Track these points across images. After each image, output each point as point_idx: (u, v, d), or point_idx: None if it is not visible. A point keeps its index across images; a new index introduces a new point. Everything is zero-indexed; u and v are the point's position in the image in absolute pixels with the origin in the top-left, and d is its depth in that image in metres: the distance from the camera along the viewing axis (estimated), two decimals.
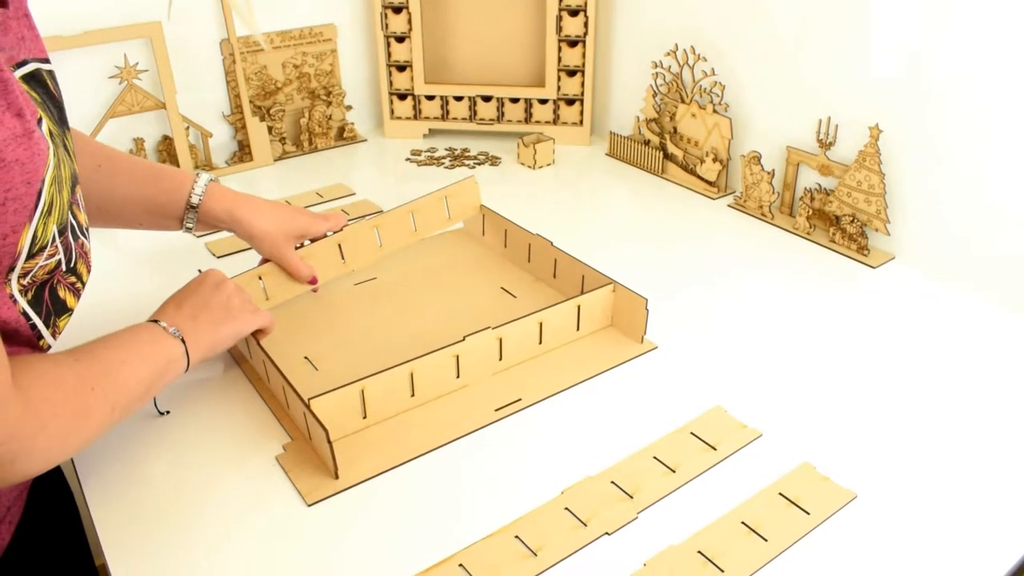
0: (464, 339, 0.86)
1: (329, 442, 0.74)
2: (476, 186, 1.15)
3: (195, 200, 0.93)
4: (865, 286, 1.10)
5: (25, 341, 0.68)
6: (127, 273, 1.16)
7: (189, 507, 0.75)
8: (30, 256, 0.63)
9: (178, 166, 1.38)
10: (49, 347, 0.72)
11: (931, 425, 0.84)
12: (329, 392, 0.79)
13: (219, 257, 1.17)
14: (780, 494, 0.76)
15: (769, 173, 1.25)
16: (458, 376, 0.88)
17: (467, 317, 1.00)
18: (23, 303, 0.66)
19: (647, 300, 0.94)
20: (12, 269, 0.63)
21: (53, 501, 0.82)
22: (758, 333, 0.99)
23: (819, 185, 1.23)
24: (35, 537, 0.77)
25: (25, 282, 0.65)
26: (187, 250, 1.20)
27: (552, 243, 1.05)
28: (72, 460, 0.81)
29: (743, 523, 0.73)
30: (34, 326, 0.68)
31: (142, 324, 0.79)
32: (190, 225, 0.96)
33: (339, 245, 1.04)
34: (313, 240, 1.01)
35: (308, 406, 0.77)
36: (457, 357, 0.87)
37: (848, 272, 1.13)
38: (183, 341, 0.79)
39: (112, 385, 0.70)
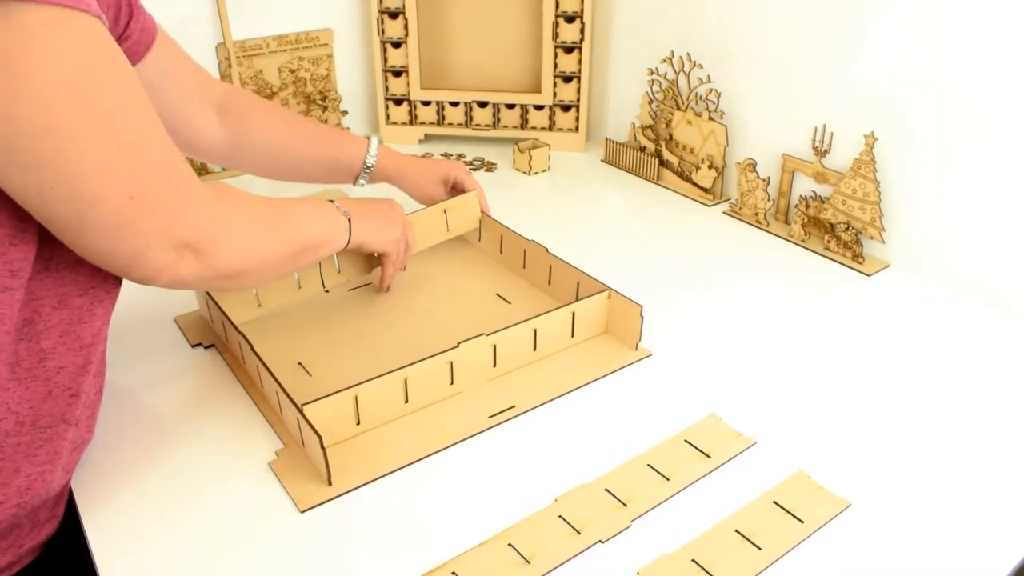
0: (458, 345, 0.86)
1: (322, 448, 0.74)
2: (476, 201, 1.16)
3: (371, 161, 1.13)
4: (860, 294, 1.10)
5: None
6: None
7: (181, 513, 0.75)
8: None
9: None
10: None
11: (926, 433, 0.84)
12: (323, 398, 0.78)
13: None
14: (774, 503, 0.76)
15: (764, 180, 1.25)
16: (452, 383, 0.88)
17: (461, 323, 1.00)
18: None
19: (642, 307, 0.94)
20: None
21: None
22: (753, 341, 0.99)
23: (814, 193, 1.23)
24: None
25: None
26: None
27: (547, 249, 1.05)
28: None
29: (737, 531, 0.73)
30: None
31: (319, 198, 0.92)
32: (363, 182, 1.15)
33: (335, 254, 1.04)
34: (461, 190, 1.16)
35: (301, 412, 0.76)
36: (451, 364, 0.87)
37: (843, 280, 1.13)
38: (349, 221, 0.92)
39: (290, 217, 0.83)
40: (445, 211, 1.13)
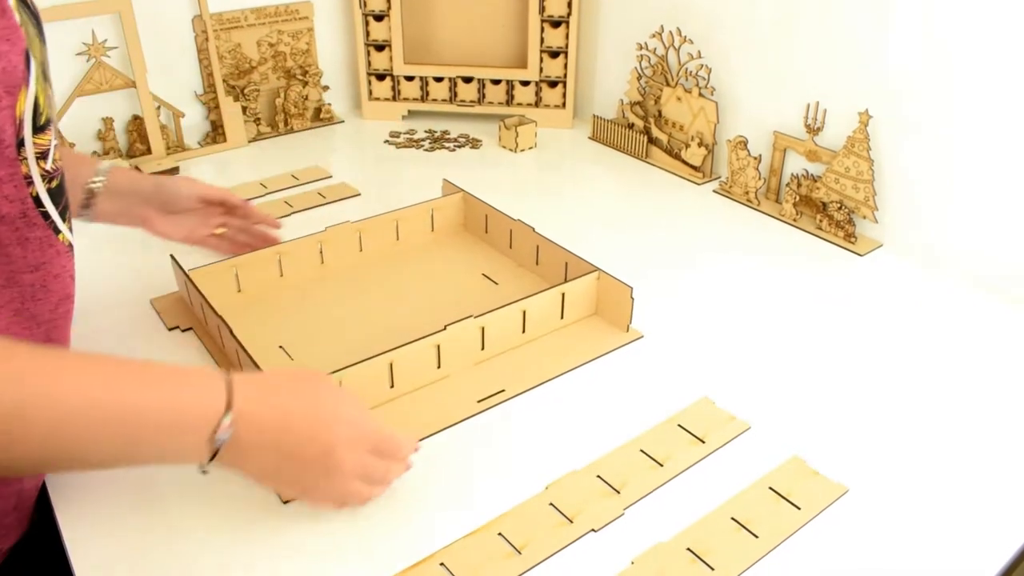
0: (445, 328, 0.84)
1: None
2: (463, 202, 1.13)
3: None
4: (852, 274, 1.08)
5: (38, 233, 0.65)
6: (91, 253, 1.11)
7: (157, 504, 0.72)
8: (37, 129, 0.60)
9: (149, 147, 1.33)
10: (70, 244, 0.71)
11: (922, 416, 0.83)
12: None
13: None
14: (770, 488, 0.74)
15: (755, 158, 1.23)
16: (439, 366, 0.85)
17: (448, 305, 0.97)
18: (41, 189, 0.62)
19: (632, 288, 0.91)
20: (22, 144, 0.59)
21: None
22: (745, 322, 0.97)
23: (806, 171, 1.20)
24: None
25: (48, 167, 0.62)
26: None
27: (534, 229, 1.03)
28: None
29: (733, 519, 0.71)
30: (47, 216, 0.65)
31: (208, 386, 0.60)
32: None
33: (320, 247, 1.01)
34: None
35: None
36: (438, 347, 0.84)
37: (835, 260, 1.12)
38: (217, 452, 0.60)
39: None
40: (432, 210, 1.10)
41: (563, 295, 0.92)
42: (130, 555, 0.67)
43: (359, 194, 1.27)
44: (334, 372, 0.77)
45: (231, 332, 0.82)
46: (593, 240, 1.10)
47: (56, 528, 0.70)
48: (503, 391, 0.85)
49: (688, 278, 1.06)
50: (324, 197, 1.25)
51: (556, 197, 1.30)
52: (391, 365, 0.81)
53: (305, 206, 1.22)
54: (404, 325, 0.91)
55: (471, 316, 0.85)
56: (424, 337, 0.83)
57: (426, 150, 1.44)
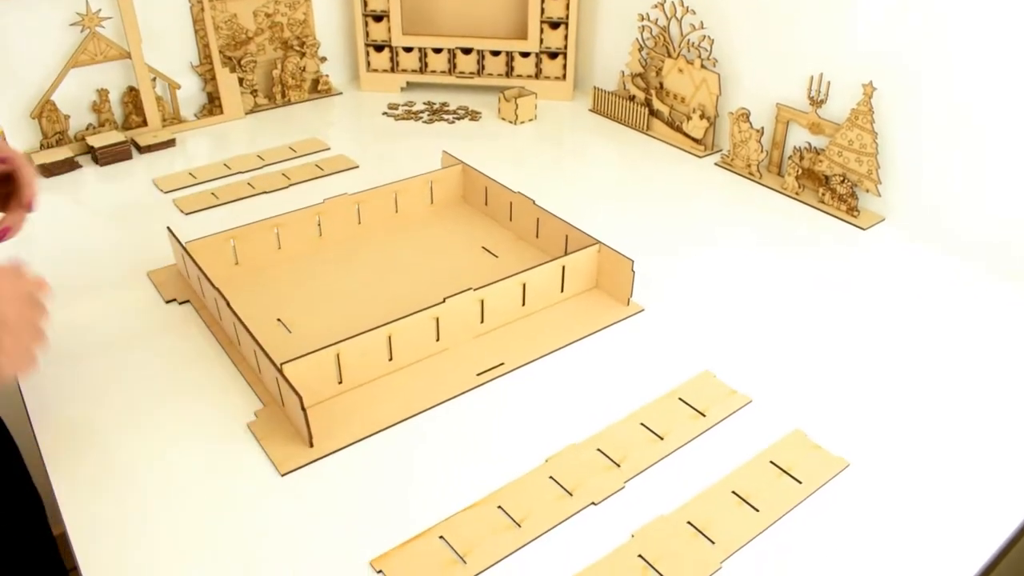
0: (444, 301, 0.83)
1: (303, 409, 0.71)
2: (462, 174, 1.11)
3: None
4: (855, 248, 1.07)
5: None
6: (86, 226, 1.10)
7: (155, 476, 0.71)
8: None
9: (144, 119, 1.32)
10: None
11: (923, 391, 0.82)
12: (303, 356, 0.75)
13: (187, 214, 1.12)
14: (771, 462, 0.74)
15: (758, 131, 1.22)
16: (438, 339, 0.85)
17: (447, 278, 0.97)
18: None
19: (633, 262, 0.90)
20: None
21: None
22: (746, 296, 0.97)
23: (809, 144, 1.19)
24: None
25: None
26: (152, 205, 1.14)
27: (534, 202, 1.02)
28: (32, 427, 0.77)
29: (734, 492, 0.71)
30: None
31: None
32: None
33: (318, 219, 1.00)
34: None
35: (281, 371, 0.73)
36: (437, 320, 0.83)
37: (838, 234, 1.11)
38: None
39: None
40: (431, 182, 1.09)
41: (563, 268, 0.91)
42: (128, 521, 0.67)
43: (357, 166, 1.26)
44: (332, 344, 0.77)
45: (228, 305, 0.81)
46: (593, 213, 1.09)
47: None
48: (502, 364, 0.84)
49: (689, 252, 1.05)
50: (322, 169, 1.23)
51: (556, 170, 1.29)
52: (390, 338, 0.80)
53: (303, 178, 1.21)
54: (403, 297, 0.90)
55: (470, 289, 0.84)
56: (423, 310, 0.82)
57: (425, 122, 1.42)
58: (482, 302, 0.86)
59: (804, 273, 1.01)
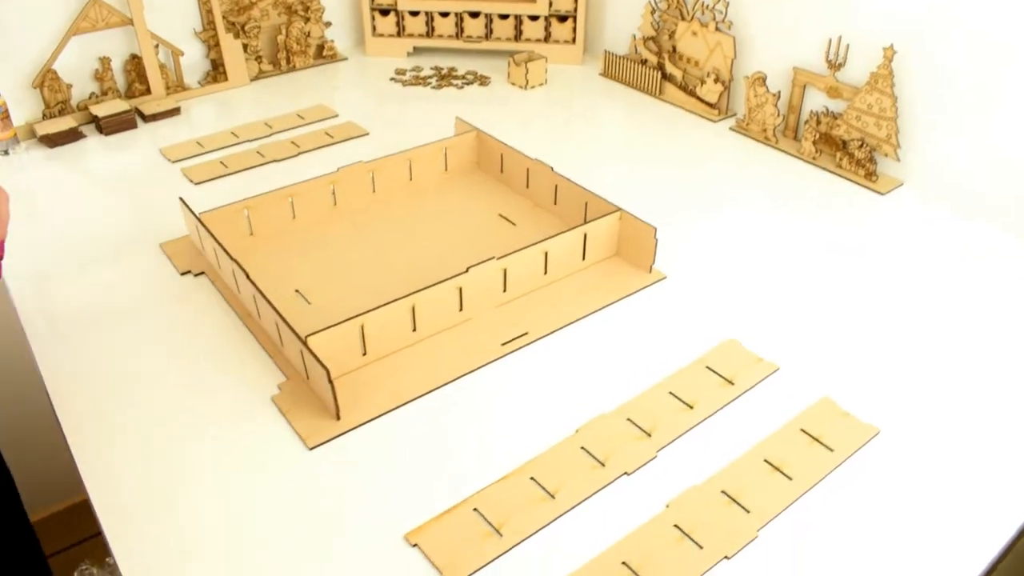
0: (467, 270, 0.82)
1: (330, 382, 0.70)
2: (476, 140, 1.09)
3: None
4: (874, 213, 1.06)
5: None
6: (94, 197, 1.08)
7: (179, 451, 0.70)
8: None
9: (148, 87, 1.29)
10: None
11: (949, 355, 0.81)
12: (327, 329, 0.74)
13: (197, 183, 1.10)
14: (802, 430, 0.73)
15: (774, 95, 1.20)
16: (461, 309, 0.83)
17: (466, 246, 0.95)
18: None
19: (656, 229, 0.89)
20: None
21: None
22: (766, 262, 0.96)
23: (826, 108, 1.17)
24: None
25: None
26: (160, 175, 1.12)
27: (552, 168, 1.00)
28: (50, 399, 0.76)
29: (766, 461, 0.70)
30: None
31: None
32: None
33: (332, 188, 0.98)
34: None
35: (306, 344, 0.72)
36: (460, 289, 0.82)
37: (856, 199, 1.09)
38: None
39: None
40: (445, 149, 1.07)
41: (585, 236, 0.90)
42: (155, 498, 0.66)
43: (367, 133, 1.23)
44: (356, 316, 0.75)
45: (247, 277, 0.80)
46: (606, 179, 1.07)
47: None
48: (526, 334, 0.83)
49: (706, 218, 1.04)
50: (332, 137, 1.21)
51: (567, 135, 1.27)
52: (413, 308, 0.79)
53: (313, 146, 1.19)
54: (422, 267, 0.89)
55: (493, 258, 0.83)
56: (447, 280, 0.80)
57: (433, 88, 1.40)
58: (505, 271, 0.85)
59: (823, 239, 1.00)
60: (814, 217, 1.05)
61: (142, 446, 0.71)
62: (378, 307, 0.76)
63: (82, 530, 1.53)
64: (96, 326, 0.84)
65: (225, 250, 0.83)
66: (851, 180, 1.13)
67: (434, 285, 0.80)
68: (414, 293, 0.79)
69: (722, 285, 0.92)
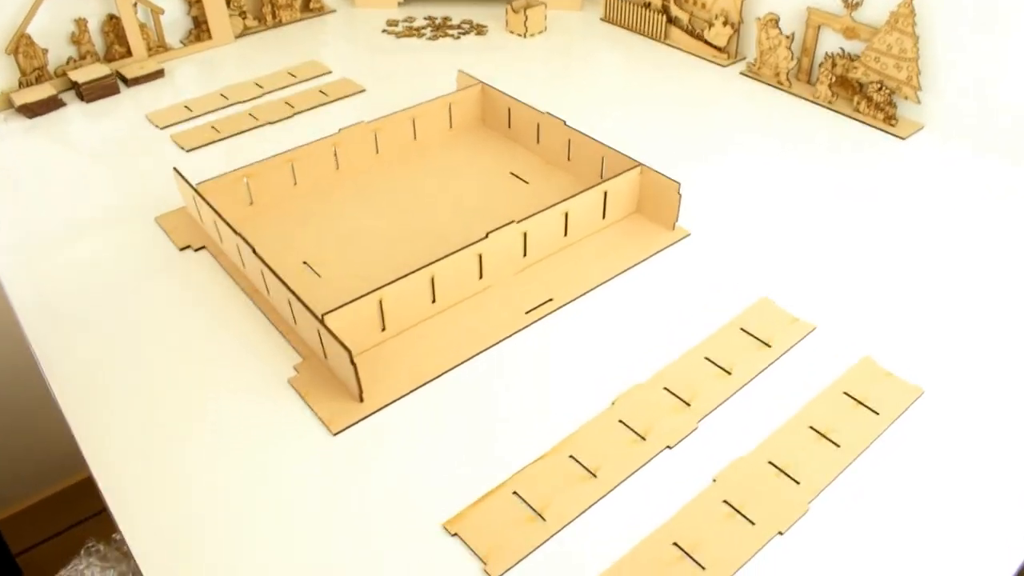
0: (487, 236, 0.77)
1: (353, 363, 0.66)
2: (481, 95, 1.04)
3: None
4: (895, 159, 1.02)
5: None
6: (80, 170, 1.02)
7: (193, 440, 0.67)
8: None
9: (128, 49, 1.22)
10: None
11: (986, 307, 0.78)
12: (344, 306, 0.69)
13: (188, 151, 1.04)
14: (845, 393, 0.70)
15: (788, 37, 1.15)
16: (481, 277, 0.79)
17: (477, 207, 0.91)
18: None
19: (680, 184, 0.85)
20: None
21: None
22: (789, 213, 0.92)
23: (842, 50, 1.12)
24: None
25: None
26: (148, 143, 1.06)
27: (565, 122, 0.95)
28: (50, 389, 0.72)
29: (811, 428, 0.67)
30: None
31: None
32: None
33: (334, 150, 0.93)
34: None
35: (323, 323, 0.68)
36: (480, 256, 0.78)
37: (875, 144, 1.05)
38: None
39: None
40: (449, 104, 1.02)
41: (605, 194, 0.86)
42: (170, 491, 0.62)
43: (364, 90, 1.18)
44: (374, 291, 0.71)
45: (254, 252, 0.75)
46: (610, 129, 1.02)
47: None
48: (551, 300, 0.79)
49: (721, 169, 1.00)
50: (327, 95, 1.15)
51: (569, 84, 1.21)
52: (432, 279, 0.75)
53: (308, 106, 1.13)
54: (433, 231, 0.85)
55: (513, 222, 0.79)
56: (466, 247, 0.76)
57: (428, 39, 1.34)
58: (524, 235, 0.81)
59: (846, 186, 0.96)
60: (835, 164, 1.01)
61: (153, 435, 0.67)
62: (396, 280, 0.72)
63: (88, 507, 1.50)
64: (92, 308, 0.80)
65: (228, 223, 0.79)
66: (869, 124, 1.09)
67: (453, 254, 0.75)
68: (433, 263, 0.74)
69: (748, 240, 0.88)
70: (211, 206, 0.81)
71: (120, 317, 0.79)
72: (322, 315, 0.68)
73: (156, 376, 0.72)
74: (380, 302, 0.72)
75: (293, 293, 0.70)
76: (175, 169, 0.87)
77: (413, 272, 0.73)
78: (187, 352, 0.75)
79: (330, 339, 0.67)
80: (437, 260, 0.74)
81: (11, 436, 1.18)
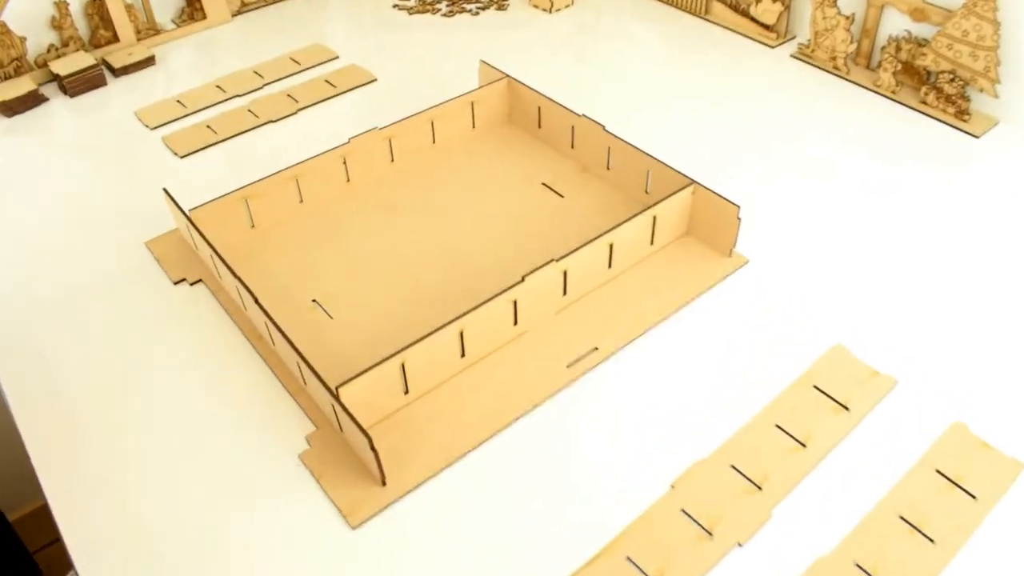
0: (523, 280, 0.67)
1: (373, 449, 0.57)
2: (507, 90, 0.93)
3: None
4: (972, 161, 0.91)
5: None
6: (60, 179, 0.92)
7: (189, 534, 0.58)
8: None
9: (114, 33, 1.10)
10: None
11: None
12: (361, 375, 0.60)
13: (182, 156, 0.93)
14: (937, 472, 0.61)
15: (847, 18, 1.03)
16: (516, 323, 0.70)
17: (506, 227, 0.81)
18: None
19: (739, 207, 0.74)
20: None
21: None
22: (856, 231, 0.81)
23: (909, 33, 1.00)
24: None
25: None
26: (138, 147, 0.96)
27: (604, 127, 0.84)
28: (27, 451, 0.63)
29: (901, 518, 0.58)
30: None
31: None
32: None
33: (344, 162, 0.83)
34: None
35: (337, 398, 0.58)
36: (515, 302, 0.68)
37: (947, 143, 0.94)
38: None
39: None
40: (472, 103, 0.91)
41: (654, 219, 0.75)
42: None
43: (375, 80, 1.06)
44: (395, 355, 0.61)
45: (256, 301, 0.66)
46: (643, 120, 0.92)
47: None
48: (596, 350, 0.70)
49: (773, 174, 0.89)
50: (334, 86, 1.04)
51: (598, 69, 1.10)
52: (462, 334, 0.65)
53: (313, 100, 1.02)
54: (455, 255, 0.77)
55: (552, 261, 0.69)
56: (499, 294, 0.66)
57: (444, 15, 1.22)
58: (565, 273, 0.71)
59: (919, 196, 0.85)
60: (905, 170, 0.90)
61: (133, 520, 0.58)
62: (420, 339, 0.63)
63: None
64: (67, 351, 0.71)
65: (226, 263, 0.69)
66: (937, 119, 0.98)
67: (485, 303, 0.65)
68: (462, 316, 0.64)
69: (811, 267, 0.78)
70: (207, 241, 0.71)
71: (101, 366, 0.70)
72: (336, 388, 0.59)
73: (142, 445, 0.64)
74: (403, 365, 0.63)
75: (303, 359, 0.61)
76: (165, 191, 0.77)
77: (439, 329, 0.63)
78: (179, 414, 0.66)
79: (347, 418, 0.58)
80: (467, 312, 0.65)
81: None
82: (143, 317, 0.74)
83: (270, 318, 0.64)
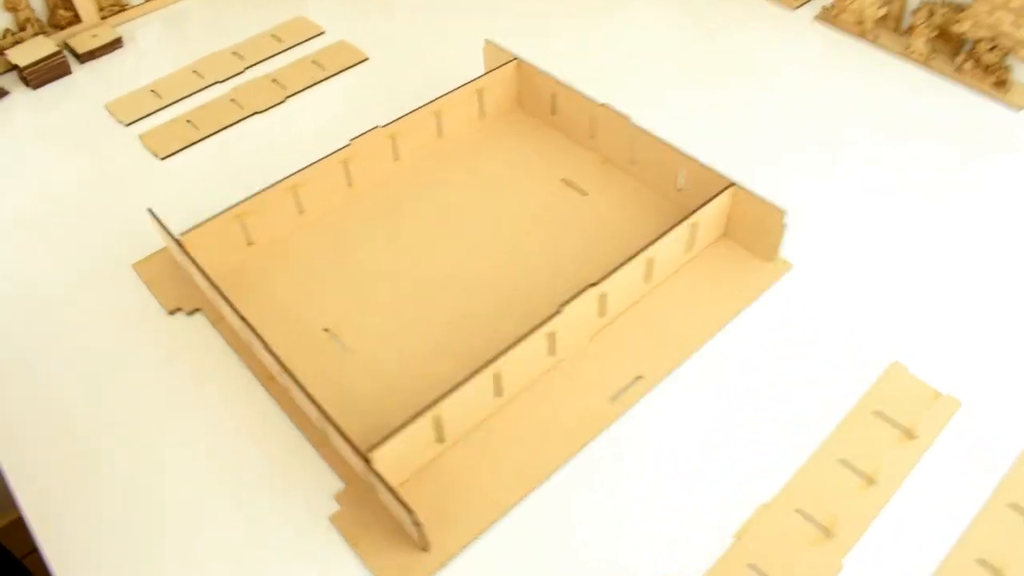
0: (560, 311, 0.61)
1: (416, 524, 0.51)
2: (516, 72, 0.85)
3: None
4: (1011, 135, 0.85)
5: None
6: (27, 189, 0.84)
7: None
8: None
9: (76, 13, 1.00)
10: None
11: None
12: (393, 436, 0.54)
13: (163, 158, 0.85)
14: (1012, 505, 0.57)
15: None
16: (552, 353, 0.64)
17: (528, 233, 0.75)
18: None
19: (785, 212, 0.68)
20: None
21: None
22: (903, 226, 0.76)
23: None
24: None
25: None
26: (112, 148, 0.87)
27: (629, 120, 0.77)
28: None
29: (981, 561, 0.54)
30: None
31: None
32: None
33: (346, 166, 0.75)
34: None
35: (369, 463, 0.52)
36: (553, 334, 0.62)
37: (984, 115, 0.88)
38: None
39: None
40: (479, 91, 0.83)
41: (693, 227, 0.69)
42: None
43: (367, 59, 0.97)
44: (427, 408, 0.55)
45: (266, 346, 0.59)
46: (651, 97, 0.85)
47: None
48: (640, 378, 0.64)
49: (804, 158, 0.83)
50: (323, 68, 0.95)
51: (606, 38, 1.01)
52: (495, 376, 0.59)
53: (301, 85, 0.93)
54: (480, 268, 0.71)
55: (589, 287, 0.63)
56: (535, 329, 0.60)
57: None
58: (603, 296, 0.65)
59: (961, 181, 0.80)
60: (951, 152, 0.83)
61: None
62: (454, 389, 0.56)
63: None
64: (56, 400, 0.64)
65: (229, 302, 0.62)
66: (974, 89, 0.91)
67: (519, 342, 0.59)
68: (496, 359, 0.58)
69: (857, 271, 0.72)
70: (203, 271, 0.64)
71: (87, 412, 0.63)
72: (367, 452, 0.53)
73: (144, 503, 0.58)
74: (438, 418, 0.57)
75: (329, 419, 0.55)
76: (150, 212, 0.69)
77: (474, 375, 0.57)
78: (186, 474, 0.60)
79: (383, 489, 0.52)
80: (502, 354, 0.58)
81: None
82: (132, 355, 0.67)
83: (285, 368, 0.57)
